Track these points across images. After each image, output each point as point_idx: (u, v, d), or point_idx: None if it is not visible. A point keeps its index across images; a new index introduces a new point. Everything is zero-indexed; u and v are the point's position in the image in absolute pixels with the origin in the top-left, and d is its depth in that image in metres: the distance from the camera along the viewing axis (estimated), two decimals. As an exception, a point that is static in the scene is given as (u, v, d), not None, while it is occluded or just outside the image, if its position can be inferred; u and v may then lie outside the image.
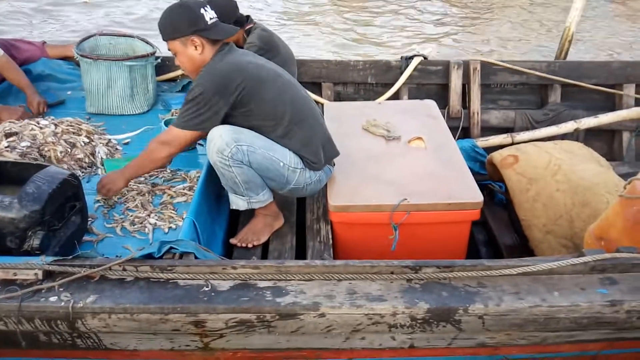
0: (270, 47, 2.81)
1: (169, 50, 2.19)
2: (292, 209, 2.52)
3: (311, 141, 2.19)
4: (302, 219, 2.46)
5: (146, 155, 2.18)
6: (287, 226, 2.38)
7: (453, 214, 2.23)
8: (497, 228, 2.81)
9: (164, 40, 2.16)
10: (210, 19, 2.11)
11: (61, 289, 1.60)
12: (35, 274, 1.62)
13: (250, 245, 2.25)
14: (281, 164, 2.13)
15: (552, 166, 2.54)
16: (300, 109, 2.19)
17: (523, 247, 2.65)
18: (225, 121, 2.12)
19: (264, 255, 2.26)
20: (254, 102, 2.08)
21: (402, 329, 1.64)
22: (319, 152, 2.22)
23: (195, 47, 2.10)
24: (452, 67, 3.53)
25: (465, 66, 3.54)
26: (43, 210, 1.71)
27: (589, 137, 3.56)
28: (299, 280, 1.67)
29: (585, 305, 1.61)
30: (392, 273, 1.69)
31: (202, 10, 2.10)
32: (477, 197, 2.25)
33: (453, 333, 1.69)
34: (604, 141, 3.65)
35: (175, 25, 2.10)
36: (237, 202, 2.22)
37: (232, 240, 2.28)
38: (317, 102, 3.50)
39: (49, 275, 1.64)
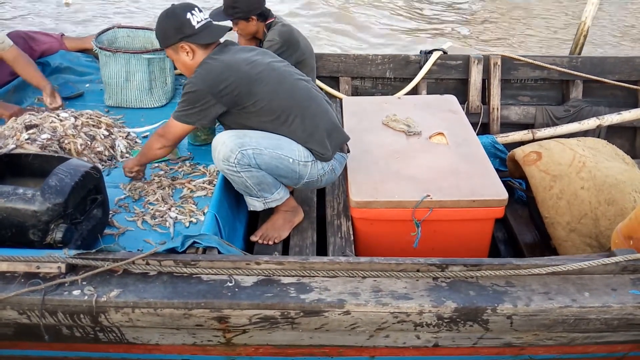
0: (291, 44, 2.81)
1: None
2: (312, 204, 2.49)
3: (315, 131, 2.15)
4: (323, 214, 2.43)
5: (147, 145, 2.24)
6: (307, 222, 2.36)
7: (477, 211, 2.20)
8: (517, 226, 2.78)
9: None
10: (198, 22, 2.10)
11: (84, 283, 1.59)
12: (59, 267, 1.61)
13: (271, 243, 2.23)
14: (290, 160, 2.10)
15: (577, 163, 2.49)
16: (300, 99, 2.16)
17: (544, 245, 2.61)
18: (225, 119, 2.12)
19: (285, 251, 2.24)
20: (249, 98, 2.07)
21: (428, 328, 1.61)
22: (325, 141, 2.17)
23: (186, 53, 2.11)
24: (472, 61, 3.48)
25: (486, 61, 3.49)
26: (66, 203, 1.70)
27: (611, 134, 3.50)
28: (323, 276, 1.65)
29: (617, 307, 1.57)
30: (418, 271, 1.66)
31: (188, 15, 2.08)
32: (502, 194, 2.21)
33: (479, 333, 1.66)
34: (625, 138, 3.60)
35: (163, 34, 2.14)
36: (254, 204, 2.20)
37: (253, 238, 2.26)
38: (334, 97, 3.48)
39: (72, 268, 1.63)
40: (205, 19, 2.14)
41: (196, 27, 2.08)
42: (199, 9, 2.14)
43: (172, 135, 2.16)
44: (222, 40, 2.21)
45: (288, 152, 2.10)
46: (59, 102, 2.75)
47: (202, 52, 2.11)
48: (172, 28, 2.09)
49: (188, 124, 2.11)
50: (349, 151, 2.37)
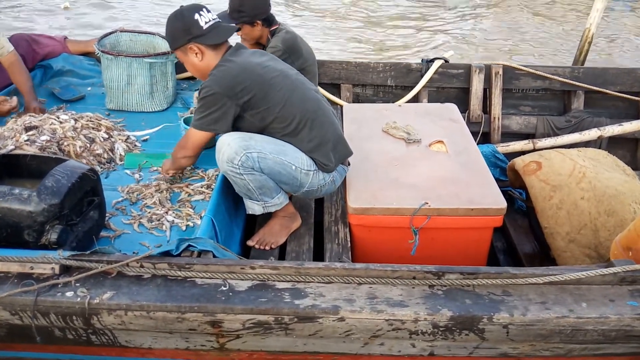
0: (293, 51, 2.82)
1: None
2: (310, 210, 2.48)
3: (322, 142, 2.15)
4: (320, 220, 2.42)
5: (173, 155, 2.24)
6: (304, 227, 2.34)
7: (475, 219, 2.18)
8: (517, 236, 2.76)
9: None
10: (206, 22, 2.09)
11: (77, 284, 1.58)
12: (52, 268, 1.61)
13: (267, 248, 2.22)
14: (293, 167, 2.10)
15: (577, 173, 2.48)
16: (310, 109, 2.15)
17: (543, 256, 2.60)
18: (235, 123, 2.10)
19: (282, 256, 2.23)
20: (263, 103, 2.06)
21: (423, 336, 1.60)
22: (330, 153, 2.17)
23: (195, 54, 2.11)
24: (473, 70, 3.48)
25: (487, 70, 3.49)
26: (62, 204, 1.70)
27: (612, 145, 3.49)
28: (318, 282, 1.64)
29: (615, 318, 1.56)
30: (414, 278, 1.65)
31: (196, 16, 2.08)
32: (500, 202, 2.19)
33: (475, 342, 1.65)
34: (627, 149, 3.59)
35: (172, 36, 2.14)
36: (253, 207, 2.19)
37: (250, 242, 2.25)
38: (335, 104, 3.48)
39: (65, 270, 1.62)
40: (213, 19, 2.13)
41: (204, 28, 2.08)
42: (207, 9, 2.14)
43: (193, 144, 2.14)
44: (232, 43, 2.20)
45: (292, 159, 2.10)
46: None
47: (212, 53, 2.11)
48: (180, 29, 2.08)
49: (208, 132, 2.09)
50: (349, 164, 2.36)
